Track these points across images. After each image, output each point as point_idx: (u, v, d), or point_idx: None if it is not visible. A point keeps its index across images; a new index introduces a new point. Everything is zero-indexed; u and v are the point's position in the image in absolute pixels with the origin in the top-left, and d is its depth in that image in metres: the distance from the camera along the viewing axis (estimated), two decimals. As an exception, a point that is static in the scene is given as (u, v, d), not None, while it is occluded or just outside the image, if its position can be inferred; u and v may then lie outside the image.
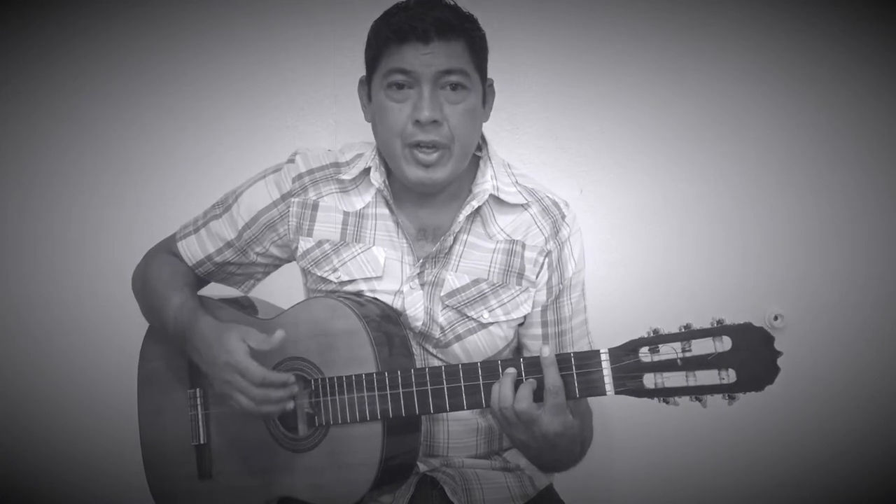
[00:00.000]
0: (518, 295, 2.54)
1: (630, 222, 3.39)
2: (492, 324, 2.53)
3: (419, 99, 2.40)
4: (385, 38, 2.42)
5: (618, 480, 3.41)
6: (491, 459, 2.63)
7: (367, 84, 2.53)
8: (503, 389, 2.23)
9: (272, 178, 2.63)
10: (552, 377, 2.19)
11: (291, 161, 2.63)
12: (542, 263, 2.55)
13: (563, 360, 2.21)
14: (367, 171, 2.57)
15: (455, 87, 2.42)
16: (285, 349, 2.46)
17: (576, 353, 2.20)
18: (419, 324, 2.51)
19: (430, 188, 2.49)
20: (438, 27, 2.38)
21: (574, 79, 3.36)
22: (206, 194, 2.78)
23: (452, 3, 2.46)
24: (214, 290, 2.77)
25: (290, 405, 2.39)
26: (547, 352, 2.21)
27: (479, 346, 2.54)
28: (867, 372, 3.38)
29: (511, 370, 2.24)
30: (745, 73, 3.35)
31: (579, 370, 2.19)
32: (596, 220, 3.34)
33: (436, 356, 2.55)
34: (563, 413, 2.22)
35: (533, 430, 2.23)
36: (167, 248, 2.75)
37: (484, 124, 2.57)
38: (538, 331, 2.59)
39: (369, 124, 2.55)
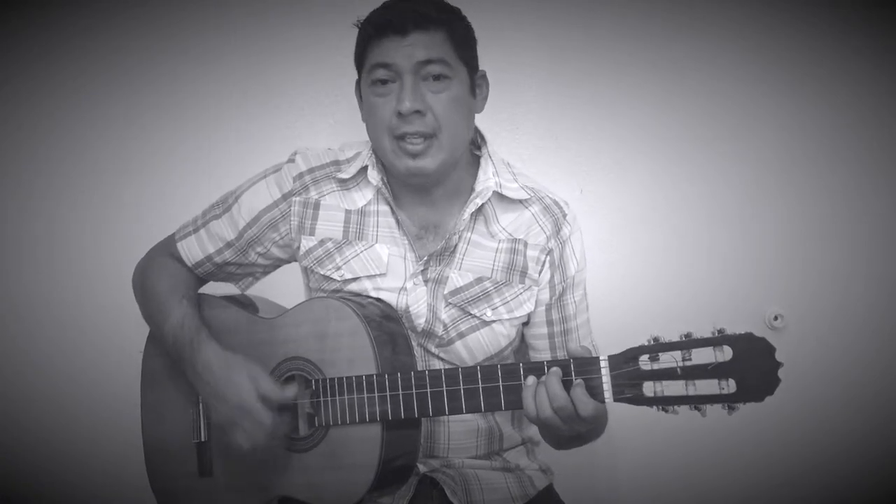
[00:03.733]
0: (521, 293, 2.55)
1: (630, 222, 3.39)
2: (494, 321, 2.54)
3: (400, 91, 2.42)
4: (367, 36, 2.46)
5: (618, 480, 3.42)
6: (491, 460, 2.63)
7: (359, 85, 2.55)
8: (554, 388, 2.20)
9: (273, 178, 2.63)
10: (583, 404, 2.18)
11: (291, 160, 2.63)
12: (544, 262, 2.56)
13: (562, 367, 2.20)
14: (364, 169, 2.58)
15: (437, 77, 2.44)
16: (287, 349, 2.48)
17: (575, 360, 2.20)
18: (422, 321, 2.52)
19: (421, 179, 2.50)
20: (415, 19, 2.41)
21: (574, 79, 3.37)
22: (206, 194, 2.78)
23: None
24: (214, 288, 2.77)
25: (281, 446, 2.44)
26: (579, 389, 2.19)
27: (481, 343, 2.54)
28: (867, 372, 3.38)
29: (556, 369, 2.21)
30: (745, 74, 3.36)
31: (578, 377, 2.19)
32: (596, 220, 3.34)
33: (437, 356, 2.55)
34: (600, 417, 2.23)
35: (573, 427, 2.22)
36: (166, 248, 2.74)
37: (484, 125, 2.58)
38: (544, 330, 2.60)
39: (361, 116, 2.56)
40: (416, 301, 2.52)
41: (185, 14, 3.31)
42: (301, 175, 2.60)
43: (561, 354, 2.58)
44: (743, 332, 2.06)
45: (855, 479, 3.40)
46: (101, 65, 3.31)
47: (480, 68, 2.57)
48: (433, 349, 2.55)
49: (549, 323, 2.59)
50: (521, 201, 2.57)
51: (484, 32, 2.57)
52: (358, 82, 2.56)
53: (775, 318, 3.36)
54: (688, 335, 2.08)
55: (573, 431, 2.24)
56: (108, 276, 3.26)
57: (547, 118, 3.38)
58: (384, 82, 2.44)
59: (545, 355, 2.59)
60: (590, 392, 2.17)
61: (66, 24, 3.29)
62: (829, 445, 3.39)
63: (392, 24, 2.41)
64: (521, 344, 2.66)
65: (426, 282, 2.54)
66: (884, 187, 3.38)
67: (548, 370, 2.21)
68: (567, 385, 2.19)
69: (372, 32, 2.44)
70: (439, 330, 2.53)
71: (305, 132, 3.35)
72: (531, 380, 2.22)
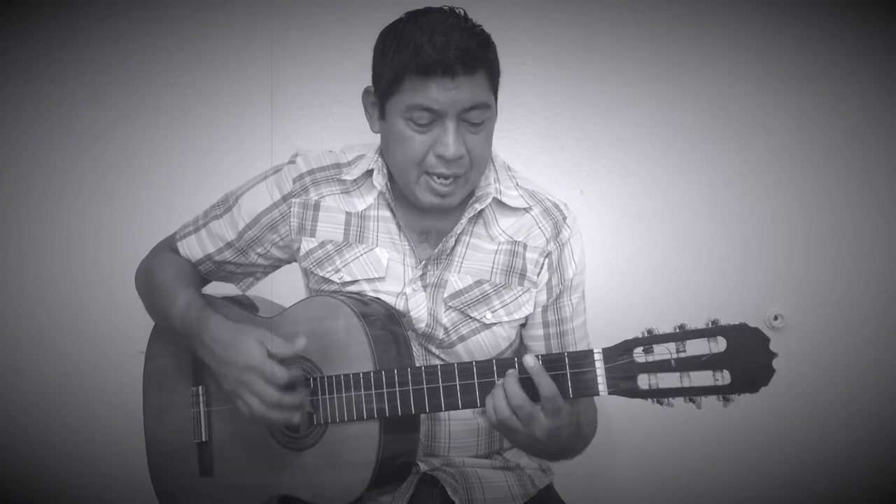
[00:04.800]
0: (520, 295, 2.54)
1: (630, 222, 3.40)
2: (495, 324, 2.54)
3: (443, 134, 2.37)
4: (407, 68, 2.36)
5: (618, 479, 3.42)
6: (492, 459, 2.63)
7: (376, 98, 2.48)
8: (512, 387, 2.20)
9: (273, 179, 2.63)
10: (546, 385, 2.17)
11: (292, 162, 2.63)
12: (543, 264, 2.56)
13: (556, 360, 2.19)
14: (369, 172, 2.57)
15: (477, 119, 2.40)
16: (286, 348, 2.48)
17: (569, 353, 2.19)
18: (423, 325, 2.52)
19: (440, 212, 2.50)
20: (464, 61, 2.33)
21: (574, 79, 3.37)
22: (206, 195, 2.78)
23: (467, 23, 2.41)
24: (215, 288, 2.77)
25: (297, 419, 2.39)
26: (531, 361, 2.18)
27: (482, 346, 2.54)
28: (867, 372, 3.38)
29: (513, 370, 2.21)
30: (746, 74, 3.36)
31: (573, 370, 2.18)
32: (596, 219, 3.35)
33: (438, 357, 2.55)
34: (560, 412, 2.20)
35: (532, 429, 2.20)
36: (168, 246, 2.75)
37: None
38: (540, 331, 2.59)
39: (369, 125, 2.53)
40: (415, 306, 2.52)
41: (184, 14, 3.32)
42: (301, 176, 2.60)
43: None
44: (737, 323, 2.07)
45: (855, 479, 3.39)
46: (101, 65, 3.32)
47: None
48: (434, 350, 2.55)
49: (545, 324, 2.59)
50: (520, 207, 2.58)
51: (484, 32, 2.56)
52: (370, 93, 2.50)
53: (775, 318, 3.36)
54: (682, 326, 2.08)
55: (533, 435, 2.22)
56: (108, 277, 3.27)
57: (547, 118, 3.38)
58: (424, 121, 2.38)
59: None
60: (584, 385, 2.17)
61: (65, 24, 3.30)
62: (829, 445, 3.39)
63: (442, 65, 2.32)
64: (521, 345, 2.65)
65: (425, 286, 2.53)
66: (884, 187, 3.37)
67: (540, 362, 2.20)
68: (529, 387, 2.19)
69: (414, 68, 2.34)
70: (440, 334, 2.53)
71: (305, 132, 3.36)
72: (496, 387, 2.24)
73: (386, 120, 2.45)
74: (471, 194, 2.54)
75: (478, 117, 2.39)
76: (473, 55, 2.35)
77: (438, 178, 2.41)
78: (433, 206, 2.46)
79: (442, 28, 2.35)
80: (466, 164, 2.41)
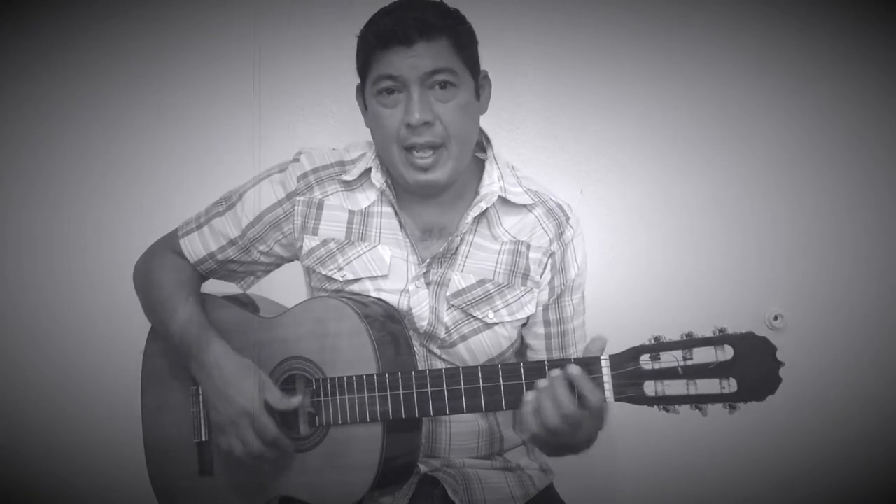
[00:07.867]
0: (523, 295, 2.54)
1: (630, 222, 3.39)
2: (497, 324, 2.54)
3: (409, 102, 2.41)
4: (370, 46, 2.43)
5: (619, 480, 3.42)
6: (492, 460, 2.63)
7: (361, 92, 2.54)
8: (544, 406, 2.18)
9: (277, 178, 2.63)
10: (591, 390, 2.15)
11: (296, 160, 2.63)
12: (546, 264, 2.55)
13: (561, 367, 2.19)
14: (368, 171, 2.57)
15: (444, 85, 2.42)
16: (287, 349, 2.48)
17: (576, 360, 2.19)
18: (424, 323, 2.51)
19: (431, 190, 2.50)
20: (420, 28, 2.38)
21: (574, 79, 3.37)
22: (206, 194, 2.78)
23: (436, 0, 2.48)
24: (215, 287, 2.77)
25: (266, 468, 2.46)
26: (576, 370, 2.15)
27: (483, 346, 2.54)
28: (867, 372, 3.38)
29: (541, 386, 2.19)
30: (746, 73, 3.36)
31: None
32: (596, 220, 3.34)
33: (440, 357, 2.55)
34: (603, 415, 2.24)
35: (577, 434, 2.21)
36: (169, 244, 2.73)
37: (485, 124, 2.58)
38: (540, 330, 2.59)
39: (364, 122, 2.56)
40: (418, 303, 2.52)
41: (184, 14, 3.32)
42: (305, 175, 2.60)
43: (556, 355, 2.59)
44: (744, 332, 2.07)
45: (855, 479, 3.39)
46: (101, 65, 3.31)
47: (482, 69, 2.56)
48: (435, 350, 2.55)
49: (546, 323, 2.59)
50: (524, 205, 2.57)
51: (484, 32, 2.55)
52: (359, 88, 2.55)
53: (775, 318, 3.35)
54: (689, 335, 2.08)
55: (575, 436, 2.22)
56: (108, 277, 3.26)
57: (547, 118, 3.38)
58: (390, 92, 2.42)
59: (542, 356, 2.59)
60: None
61: (65, 24, 3.29)
62: (829, 445, 3.39)
63: (396, 34, 2.38)
64: (523, 345, 2.65)
65: (428, 284, 2.53)
66: (884, 187, 3.37)
67: (549, 371, 2.20)
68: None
69: (375, 43, 2.41)
70: (441, 332, 2.52)
71: (305, 132, 3.35)
72: (531, 395, 2.20)
73: (368, 108, 2.51)
74: (475, 193, 2.55)
75: (442, 80, 2.42)
76: (430, 22, 2.40)
77: (416, 151, 2.43)
78: (420, 184, 2.47)
79: (400, 4, 2.44)
80: (441, 132, 2.42)
